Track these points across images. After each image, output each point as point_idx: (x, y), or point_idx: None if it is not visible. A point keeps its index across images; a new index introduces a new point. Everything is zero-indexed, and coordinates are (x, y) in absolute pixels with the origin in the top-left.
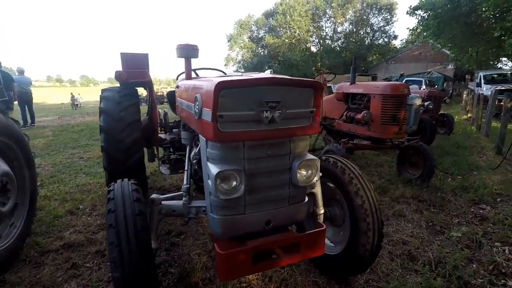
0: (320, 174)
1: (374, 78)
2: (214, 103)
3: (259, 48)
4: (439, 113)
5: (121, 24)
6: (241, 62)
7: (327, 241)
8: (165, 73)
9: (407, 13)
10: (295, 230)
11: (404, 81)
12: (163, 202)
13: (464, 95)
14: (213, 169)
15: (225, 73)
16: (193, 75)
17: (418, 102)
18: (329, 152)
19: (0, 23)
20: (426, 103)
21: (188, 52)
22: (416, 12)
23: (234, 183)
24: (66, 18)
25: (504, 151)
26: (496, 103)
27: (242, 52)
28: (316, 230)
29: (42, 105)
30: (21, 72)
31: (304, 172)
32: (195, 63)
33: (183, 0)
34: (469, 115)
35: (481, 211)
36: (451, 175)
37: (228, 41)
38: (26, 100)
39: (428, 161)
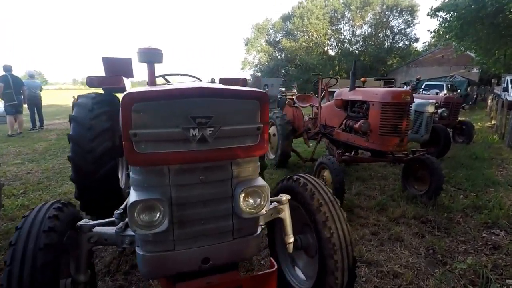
0: (289, 196)
1: (387, 83)
2: (124, 119)
3: (276, 52)
4: (457, 120)
5: (145, 28)
6: (258, 65)
7: (299, 273)
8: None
9: (428, 14)
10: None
11: (423, 86)
12: (94, 229)
13: (489, 101)
14: (131, 197)
15: (200, 80)
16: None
17: (430, 109)
18: (322, 164)
19: (1, 23)
20: (440, 110)
21: (150, 56)
22: (437, 13)
23: (157, 214)
24: (91, 22)
25: None
26: None
27: (259, 56)
28: (265, 271)
29: (65, 107)
30: (31, 76)
31: (251, 201)
32: (168, 68)
33: (201, 4)
34: (493, 122)
35: (493, 238)
36: (464, 191)
37: (245, 44)
38: (35, 103)
39: (436, 177)
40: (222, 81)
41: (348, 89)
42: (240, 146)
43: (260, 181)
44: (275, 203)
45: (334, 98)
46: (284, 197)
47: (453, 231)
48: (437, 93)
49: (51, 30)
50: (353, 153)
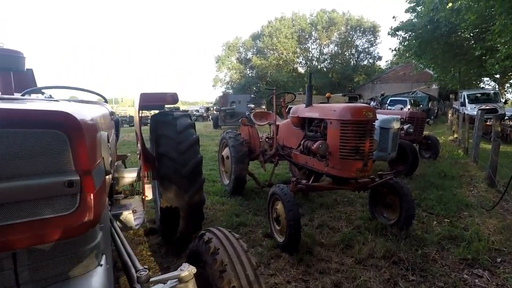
0: (194, 269)
1: (352, 98)
2: None
3: (247, 69)
4: (423, 135)
5: (124, 31)
6: (229, 83)
7: None
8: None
9: (388, 33)
10: None
11: (388, 101)
12: None
13: (449, 115)
14: None
15: (104, 98)
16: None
17: (396, 125)
18: (275, 195)
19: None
20: (405, 126)
21: (7, 61)
22: (397, 32)
23: None
24: (73, 23)
25: (499, 185)
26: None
27: (230, 73)
28: None
29: None
30: None
31: None
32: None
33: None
34: (455, 135)
35: (476, 281)
36: (436, 217)
37: (216, 62)
38: None
39: (406, 204)
40: (143, 97)
41: (304, 105)
42: (30, 222)
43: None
44: (174, 281)
45: (290, 115)
46: (187, 270)
47: (430, 273)
48: (401, 108)
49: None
50: (312, 179)
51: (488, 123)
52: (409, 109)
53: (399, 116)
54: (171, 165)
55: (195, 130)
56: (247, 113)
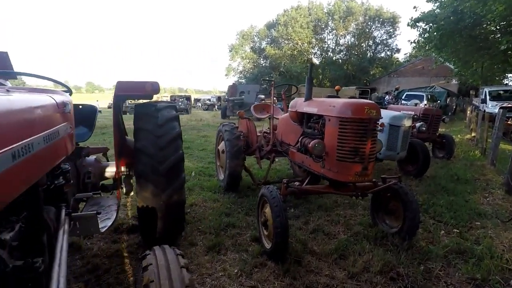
0: None
1: (364, 92)
2: None
3: (261, 59)
4: (437, 134)
5: (124, 31)
6: (243, 72)
7: None
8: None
9: (408, 25)
10: None
11: (404, 96)
12: None
13: (468, 112)
14: None
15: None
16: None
17: (407, 123)
18: (264, 197)
19: None
20: (418, 124)
21: None
22: (417, 24)
23: None
24: (73, 23)
25: None
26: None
27: (243, 63)
28: None
29: None
30: None
31: None
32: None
33: (188, 8)
34: (473, 134)
35: None
36: (445, 225)
37: (230, 51)
38: None
39: (410, 213)
40: (120, 86)
41: (304, 98)
42: None
43: None
44: None
45: (289, 109)
46: None
47: None
48: (416, 104)
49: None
50: (307, 180)
51: (509, 122)
52: (425, 104)
53: (413, 113)
54: (148, 161)
55: (179, 123)
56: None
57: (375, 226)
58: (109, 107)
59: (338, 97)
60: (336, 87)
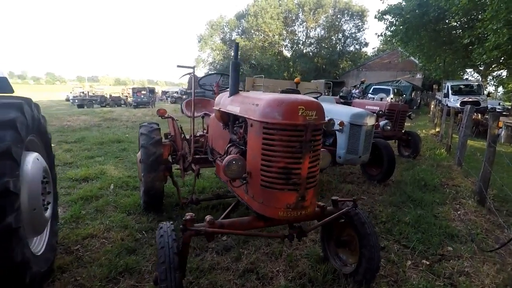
0: None
1: (334, 85)
2: None
3: (231, 50)
4: (403, 131)
5: (91, 20)
6: (213, 64)
7: None
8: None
9: (375, 17)
10: None
11: (371, 89)
12: None
13: (432, 106)
14: None
15: None
16: None
17: (370, 121)
18: (160, 231)
19: None
20: (382, 123)
21: None
22: (384, 16)
23: None
24: (32, 9)
25: (490, 204)
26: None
27: (213, 54)
28: None
29: None
30: None
31: None
32: None
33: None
34: (437, 129)
35: None
36: (412, 252)
37: (199, 41)
38: None
39: (368, 250)
40: None
41: (230, 93)
42: None
43: None
44: None
45: (214, 107)
46: None
47: None
48: (381, 99)
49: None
50: (231, 208)
51: (474, 117)
52: (391, 99)
53: (378, 108)
54: None
55: (18, 131)
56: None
57: (326, 261)
58: (67, 100)
59: (298, 92)
60: (296, 79)
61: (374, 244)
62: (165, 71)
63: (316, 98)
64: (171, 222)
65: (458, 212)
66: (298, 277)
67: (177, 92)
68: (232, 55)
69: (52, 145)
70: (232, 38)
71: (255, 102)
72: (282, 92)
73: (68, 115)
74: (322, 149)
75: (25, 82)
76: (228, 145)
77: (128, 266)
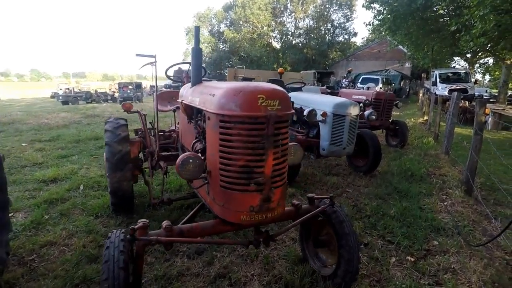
0: None
1: (323, 76)
2: None
3: (220, 43)
4: (390, 120)
5: (74, 14)
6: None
7: None
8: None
9: (363, 6)
10: None
11: (361, 79)
12: None
13: (420, 95)
14: None
15: None
16: None
17: (354, 111)
18: (107, 242)
19: None
20: (367, 113)
21: None
22: (372, 5)
23: None
24: (14, 6)
25: (477, 193)
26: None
27: (201, 47)
28: None
29: None
30: None
31: None
32: None
33: None
34: (425, 118)
35: None
36: (397, 248)
37: (186, 34)
38: None
39: (347, 252)
40: None
41: (197, 83)
42: None
43: None
44: None
45: (178, 99)
46: None
47: None
48: (368, 88)
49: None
50: (195, 210)
51: (461, 104)
52: (380, 88)
53: (364, 97)
54: None
55: None
56: None
57: (304, 262)
58: (52, 97)
59: (282, 83)
60: (279, 70)
61: (353, 245)
62: (158, 65)
63: (300, 88)
64: (123, 230)
65: (445, 203)
66: (274, 281)
67: (165, 86)
68: (220, 47)
69: (24, 144)
70: (221, 30)
71: (212, 92)
72: (271, 81)
73: (48, 112)
74: (293, 143)
75: (8, 80)
76: (194, 141)
77: (87, 276)
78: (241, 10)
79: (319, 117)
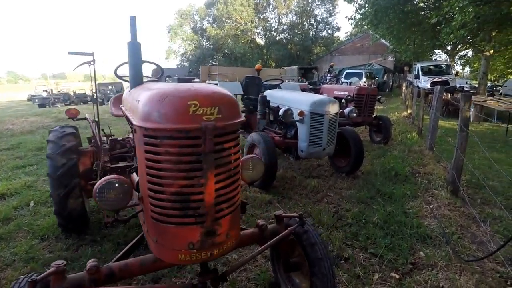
0: None
1: (306, 71)
2: None
3: (203, 40)
4: (374, 116)
5: (54, 14)
6: (185, 54)
7: None
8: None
9: None
10: None
11: (344, 74)
12: None
13: (403, 88)
14: None
15: None
16: None
17: (333, 109)
18: None
19: None
20: (347, 110)
21: None
22: None
23: None
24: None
25: (464, 193)
26: (429, 97)
27: (184, 45)
28: None
29: None
30: None
31: None
32: None
33: None
34: (409, 111)
35: None
36: (380, 262)
37: (168, 32)
38: None
39: (319, 279)
40: None
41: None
42: None
43: None
44: None
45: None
46: None
47: None
48: (349, 83)
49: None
50: (132, 243)
51: (444, 97)
52: (364, 82)
53: (346, 93)
54: None
55: None
56: None
57: (276, 287)
58: (28, 100)
59: (259, 80)
60: (257, 66)
61: (327, 272)
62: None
63: (278, 85)
64: (33, 274)
65: (431, 206)
66: None
67: None
68: (203, 44)
69: None
70: (204, 27)
71: (138, 97)
72: (246, 80)
73: (16, 117)
74: (250, 156)
75: None
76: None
77: None
78: (223, 6)
79: (296, 117)
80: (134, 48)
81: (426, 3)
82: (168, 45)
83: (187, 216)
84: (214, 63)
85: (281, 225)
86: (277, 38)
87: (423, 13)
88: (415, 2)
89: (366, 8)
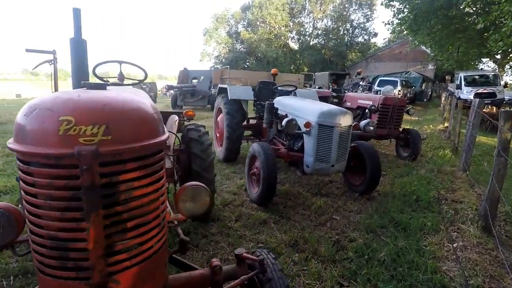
0: None
1: (338, 77)
2: None
3: (237, 43)
4: (401, 128)
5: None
6: (218, 57)
7: None
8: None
9: (382, 4)
10: None
11: (378, 82)
12: None
13: (443, 99)
14: None
15: None
16: None
17: (344, 121)
18: None
19: None
20: (363, 123)
21: None
22: (391, 3)
23: None
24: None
25: (496, 232)
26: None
27: (218, 48)
28: None
29: None
30: None
31: None
32: None
33: None
34: (446, 124)
35: None
36: None
37: (204, 35)
38: None
39: None
40: None
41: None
42: None
43: None
44: None
45: None
46: None
47: None
48: (377, 92)
49: None
50: None
51: (485, 109)
52: (399, 91)
53: (370, 102)
54: None
55: None
56: (212, 91)
57: None
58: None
59: (274, 85)
60: (273, 70)
61: None
62: (179, 65)
63: (293, 91)
64: None
65: (454, 245)
66: None
67: (166, 87)
68: (237, 47)
69: None
70: (238, 31)
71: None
72: (260, 85)
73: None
74: (193, 183)
75: None
76: None
77: None
78: (258, 10)
79: (302, 128)
80: (78, 45)
81: (473, 7)
82: (203, 47)
83: (65, 269)
84: (226, 66)
85: (242, 268)
86: (311, 43)
87: (469, 18)
88: (461, 7)
89: (405, 13)
